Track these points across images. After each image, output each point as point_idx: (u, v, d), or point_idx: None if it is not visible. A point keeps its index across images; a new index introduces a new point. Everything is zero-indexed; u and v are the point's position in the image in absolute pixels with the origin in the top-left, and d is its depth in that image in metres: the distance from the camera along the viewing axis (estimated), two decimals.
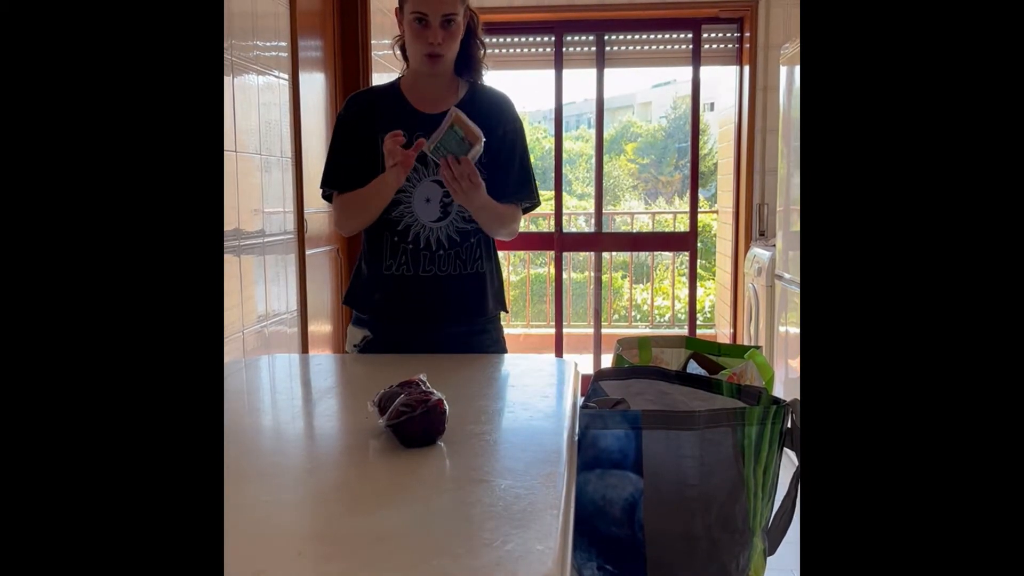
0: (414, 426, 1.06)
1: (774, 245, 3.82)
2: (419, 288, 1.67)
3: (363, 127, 1.67)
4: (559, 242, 4.62)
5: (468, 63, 1.71)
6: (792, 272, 3.48)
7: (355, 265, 1.78)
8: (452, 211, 1.67)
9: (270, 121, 2.49)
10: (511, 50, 4.59)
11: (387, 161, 1.54)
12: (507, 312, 1.83)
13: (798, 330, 3.06)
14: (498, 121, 1.69)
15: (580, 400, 1.37)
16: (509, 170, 1.70)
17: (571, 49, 4.50)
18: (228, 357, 2.16)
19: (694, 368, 1.63)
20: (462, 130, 1.51)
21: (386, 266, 1.68)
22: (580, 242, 5.24)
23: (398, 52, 1.74)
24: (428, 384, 1.15)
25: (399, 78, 1.75)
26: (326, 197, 1.74)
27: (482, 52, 1.73)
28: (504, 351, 1.76)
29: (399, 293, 1.68)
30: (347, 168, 1.68)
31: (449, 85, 1.70)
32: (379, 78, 3.42)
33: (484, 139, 1.53)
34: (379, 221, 1.67)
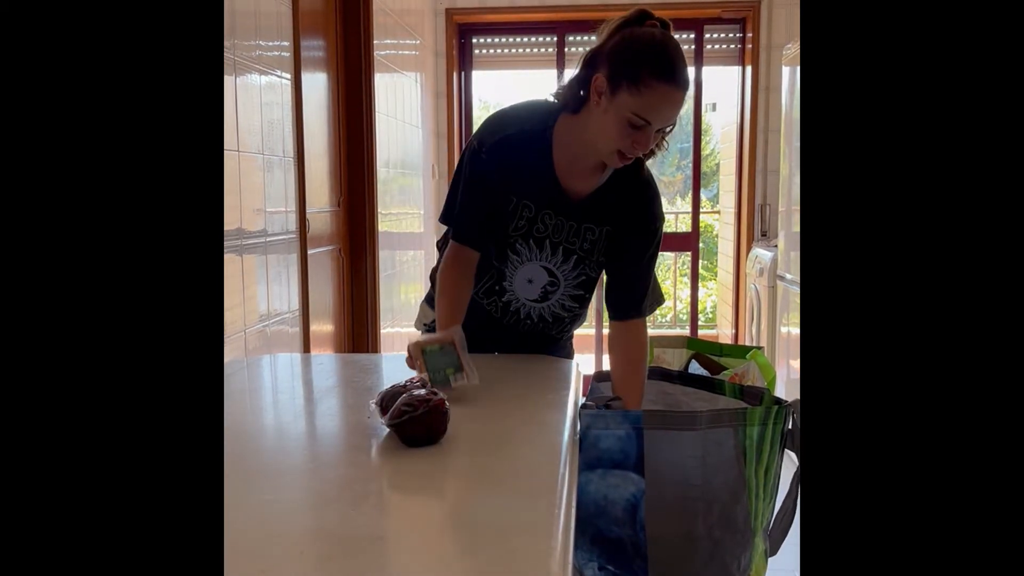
0: (416, 426, 1.06)
1: (776, 246, 3.82)
2: (500, 329, 1.59)
3: (501, 181, 1.48)
4: None
5: (648, 155, 1.47)
6: (794, 273, 3.48)
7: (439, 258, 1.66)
8: (552, 299, 1.58)
9: (272, 121, 2.49)
10: (513, 50, 4.59)
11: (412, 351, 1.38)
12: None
13: (799, 331, 3.06)
14: (641, 219, 1.51)
15: (581, 400, 1.37)
16: (646, 278, 1.54)
17: (573, 49, 4.50)
18: (230, 356, 2.16)
19: (696, 368, 1.63)
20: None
21: (480, 292, 1.59)
22: None
23: (560, 89, 1.46)
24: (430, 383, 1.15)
25: (552, 122, 1.47)
26: (443, 222, 1.60)
27: (658, 150, 1.47)
28: (571, 355, 1.71)
29: (483, 317, 1.59)
30: (482, 222, 1.51)
31: (600, 162, 1.47)
32: (381, 79, 3.43)
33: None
34: (482, 262, 1.54)
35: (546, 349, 1.66)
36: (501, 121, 1.52)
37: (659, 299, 1.60)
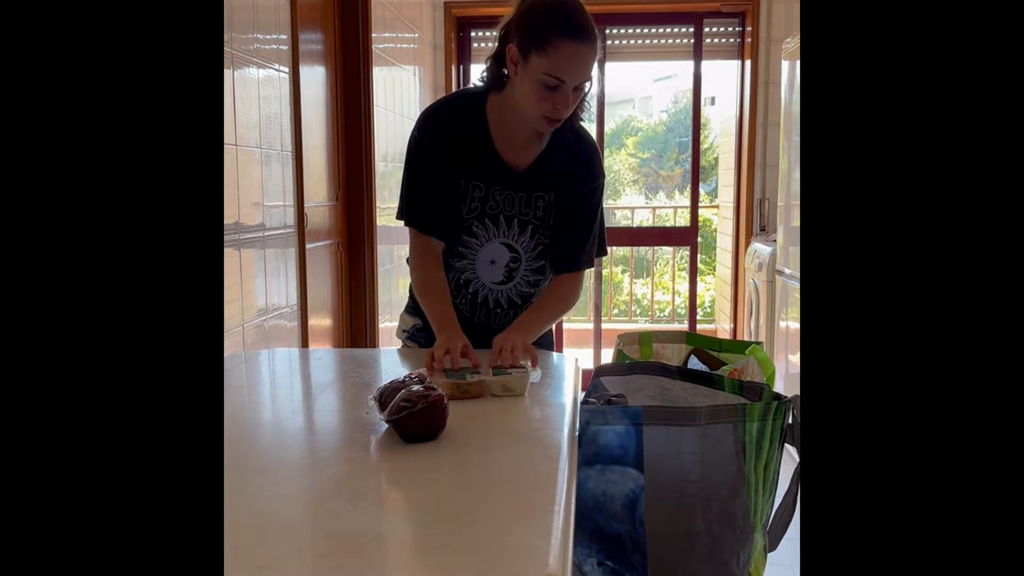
0: (415, 421, 1.05)
1: (775, 240, 3.82)
2: (472, 328, 1.57)
3: (442, 162, 1.51)
4: None
5: (575, 113, 1.50)
6: (793, 268, 3.48)
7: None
8: (516, 276, 1.59)
9: (270, 115, 2.49)
10: None
11: (440, 349, 1.37)
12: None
13: (799, 326, 3.06)
14: (583, 178, 1.55)
15: (581, 395, 1.36)
16: (586, 233, 1.58)
17: None
18: (228, 351, 2.16)
19: (695, 364, 1.63)
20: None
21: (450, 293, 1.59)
22: None
23: (484, 67, 1.52)
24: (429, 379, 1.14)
25: (483, 102, 1.52)
26: (398, 217, 1.62)
27: (581, 112, 1.51)
28: (551, 346, 1.72)
29: (466, 328, 1.56)
30: (427, 208, 1.54)
31: (536, 133, 1.51)
32: (379, 72, 3.42)
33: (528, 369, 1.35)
34: (445, 259, 1.57)
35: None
36: (434, 111, 1.57)
37: (602, 251, 1.65)
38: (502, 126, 1.50)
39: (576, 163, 1.55)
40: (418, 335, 1.69)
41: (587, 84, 1.41)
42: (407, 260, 1.68)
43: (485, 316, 1.62)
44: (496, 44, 1.47)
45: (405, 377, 1.15)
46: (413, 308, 1.71)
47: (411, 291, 1.72)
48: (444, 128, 1.52)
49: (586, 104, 1.49)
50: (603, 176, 1.59)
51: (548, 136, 1.52)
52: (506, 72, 1.45)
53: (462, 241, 1.56)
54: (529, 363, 1.35)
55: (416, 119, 1.58)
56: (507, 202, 1.53)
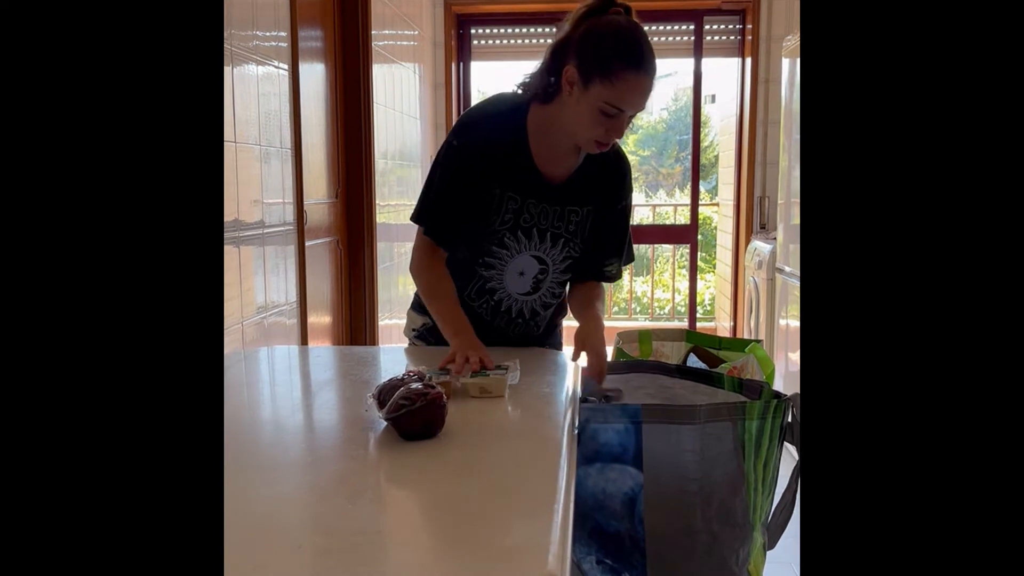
0: (414, 419, 1.05)
1: (775, 238, 3.82)
2: (488, 330, 1.57)
3: (479, 174, 1.47)
4: None
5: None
6: (793, 265, 3.48)
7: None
8: (543, 287, 1.58)
9: (270, 112, 2.48)
10: (512, 41, 4.57)
11: (459, 356, 1.35)
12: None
13: (799, 324, 3.06)
14: (618, 194, 1.56)
15: (580, 393, 1.36)
16: (617, 248, 1.60)
17: None
18: (227, 348, 2.16)
19: (694, 362, 1.63)
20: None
21: (471, 293, 1.58)
22: None
23: (527, 78, 1.48)
24: (428, 377, 1.14)
25: (524, 112, 1.48)
26: (416, 221, 1.59)
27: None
28: (559, 345, 1.73)
29: (471, 317, 1.54)
30: (453, 219, 1.51)
31: (575, 146, 1.49)
32: (379, 69, 3.42)
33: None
34: (470, 265, 1.56)
35: (537, 342, 1.66)
36: (474, 117, 1.53)
37: (629, 258, 1.66)
38: (542, 138, 1.48)
39: (613, 180, 1.55)
40: (427, 334, 1.67)
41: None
42: (410, 267, 1.64)
43: (505, 323, 1.61)
44: (548, 56, 1.43)
45: (404, 375, 1.15)
46: (421, 306, 1.68)
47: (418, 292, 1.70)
48: (483, 140, 1.48)
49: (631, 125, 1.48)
50: (631, 191, 1.60)
51: (583, 153, 1.51)
52: (553, 83, 1.42)
53: (492, 252, 1.53)
54: (511, 365, 1.34)
55: (455, 124, 1.54)
56: (541, 215, 1.51)
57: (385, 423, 1.09)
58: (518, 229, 1.51)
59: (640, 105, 1.38)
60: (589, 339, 1.44)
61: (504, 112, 1.50)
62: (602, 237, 1.58)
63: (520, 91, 1.50)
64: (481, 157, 1.47)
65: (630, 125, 1.45)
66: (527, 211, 1.50)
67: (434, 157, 1.55)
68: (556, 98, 1.43)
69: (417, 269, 1.58)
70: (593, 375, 1.40)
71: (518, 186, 1.48)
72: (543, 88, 1.44)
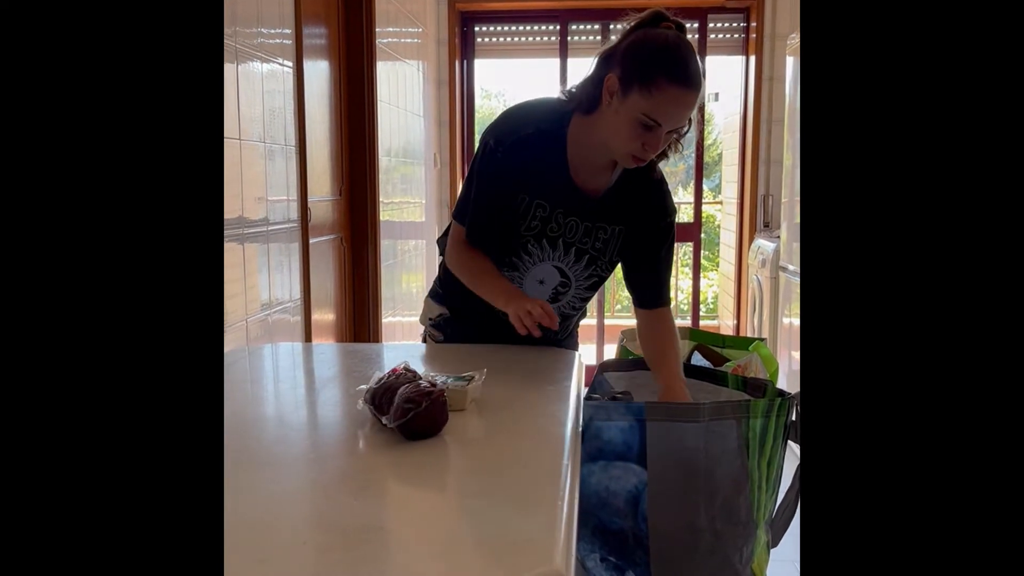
0: (422, 421, 1.05)
1: (778, 236, 3.81)
2: (509, 332, 1.54)
3: (517, 180, 1.47)
4: None
5: (661, 156, 1.47)
6: (796, 264, 3.47)
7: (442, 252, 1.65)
8: (563, 300, 1.57)
9: (274, 109, 2.48)
10: (516, 38, 4.57)
11: (521, 314, 1.35)
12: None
13: None
14: (660, 212, 1.52)
15: (584, 391, 1.36)
16: (668, 267, 1.56)
17: (576, 38, 4.48)
18: (231, 345, 2.16)
19: (698, 360, 1.63)
20: None
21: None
22: None
23: (572, 89, 1.46)
24: (417, 372, 1.13)
25: (567, 121, 1.47)
26: (457, 221, 1.57)
27: (673, 150, 1.47)
28: (575, 346, 1.72)
29: (491, 320, 1.55)
30: (494, 222, 1.50)
31: (612, 162, 1.48)
32: (383, 67, 3.41)
33: None
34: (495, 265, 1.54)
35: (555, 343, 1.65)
36: (518, 120, 1.50)
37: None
38: (580, 149, 1.46)
39: (651, 200, 1.52)
40: (444, 324, 1.67)
41: (685, 129, 1.39)
42: (437, 242, 1.62)
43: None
44: (595, 66, 1.42)
45: (391, 374, 1.14)
46: (440, 295, 1.67)
47: (438, 280, 1.69)
48: (523, 149, 1.46)
49: (680, 145, 1.46)
50: (675, 214, 1.55)
51: (622, 168, 1.49)
52: (596, 93, 1.40)
53: (516, 254, 1.52)
54: (473, 375, 1.26)
55: (496, 119, 1.52)
56: (569, 228, 1.49)
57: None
58: (543, 238, 1.49)
59: (679, 120, 1.34)
60: (666, 396, 1.38)
61: (547, 119, 1.48)
62: (654, 257, 1.53)
63: (565, 99, 1.47)
64: (520, 165, 1.45)
65: (678, 147, 1.42)
66: (555, 220, 1.48)
67: (474, 155, 1.54)
68: (597, 109, 1.41)
69: (455, 258, 1.56)
70: None
71: (549, 195, 1.47)
72: (586, 97, 1.42)
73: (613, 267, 1.56)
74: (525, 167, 1.45)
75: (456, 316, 1.66)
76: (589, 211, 1.49)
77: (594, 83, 1.41)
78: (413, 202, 4.00)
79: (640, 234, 1.52)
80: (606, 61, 1.39)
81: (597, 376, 1.51)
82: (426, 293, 1.74)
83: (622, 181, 1.49)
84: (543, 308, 1.34)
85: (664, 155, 1.46)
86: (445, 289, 1.67)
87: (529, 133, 1.47)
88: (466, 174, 1.56)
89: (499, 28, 4.55)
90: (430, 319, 1.69)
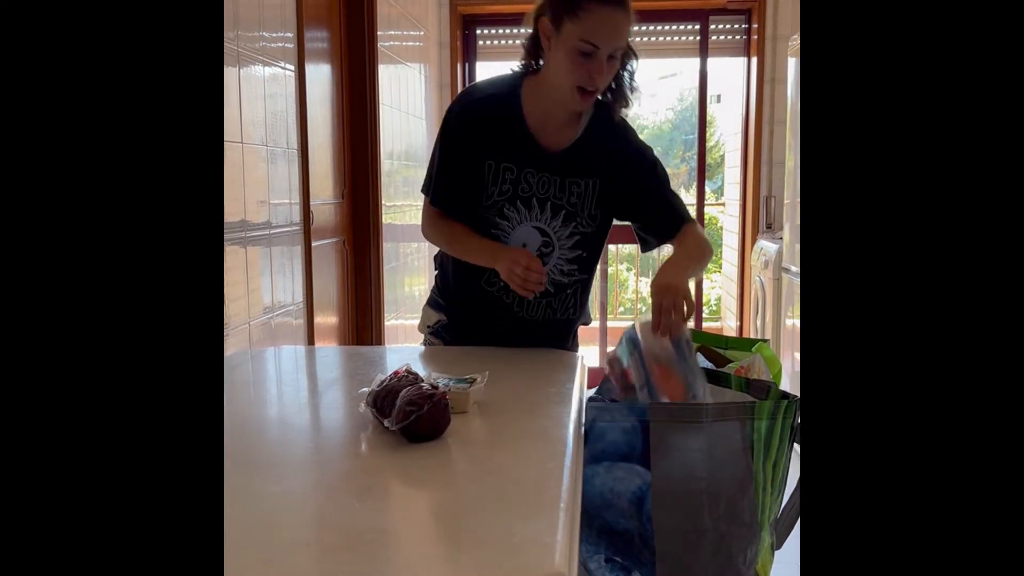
0: (424, 424, 1.05)
1: (781, 238, 3.81)
2: (507, 318, 1.58)
3: (474, 146, 1.50)
4: None
5: (618, 97, 1.52)
6: (799, 265, 3.47)
7: (438, 262, 1.69)
8: (549, 262, 1.55)
9: (276, 112, 2.49)
10: (518, 41, 4.57)
11: (512, 267, 1.40)
12: (588, 323, 1.74)
13: None
14: (637, 155, 1.55)
15: (587, 392, 1.36)
16: (669, 194, 1.57)
17: None
18: (234, 349, 2.16)
19: (701, 361, 1.62)
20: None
21: (487, 280, 1.56)
22: None
23: (520, 48, 1.53)
24: (419, 375, 1.13)
25: (518, 84, 1.51)
26: (424, 192, 1.62)
27: (632, 90, 1.52)
28: (576, 350, 1.71)
29: (489, 312, 1.59)
30: (456, 190, 1.54)
31: (573, 116, 1.51)
32: (385, 70, 3.42)
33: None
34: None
35: (555, 345, 1.65)
36: (468, 91, 1.58)
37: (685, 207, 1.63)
38: (536, 106, 1.49)
39: (623, 147, 1.54)
40: (442, 331, 1.67)
41: (628, 60, 1.42)
42: (422, 232, 1.65)
43: (518, 305, 1.58)
44: (532, 26, 1.47)
45: (391, 377, 1.13)
46: (436, 303, 1.68)
47: (435, 289, 1.70)
48: (478, 113, 1.51)
49: (632, 88, 1.49)
50: (651, 150, 1.57)
51: (586, 121, 1.51)
52: (540, 55, 1.46)
53: (494, 223, 1.53)
54: (475, 378, 1.26)
55: (453, 100, 1.59)
56: (540, 185, 1.51)
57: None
58: (517, 199, 1.51)
59: (614, 40, 1.36)
60: (655, 282, 1.39)
61: (499, 85, 1.53)
62: (650, 194, 1.55)
63: (515, 69, 1.54)
64: (476, 130, 1.50)
65: (628, 84, 1.46)
66: (525, 181, 1.49)
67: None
68: (543, 65, 1.46)
69: (431, 231, 1.60)
70: (655, 328, 1.33)
71: (515, 156, 1.49)
72: (530, 56, 1.49)
73: (595, 224, 1.55)
74: (483, 132, 1.50)
75: (454, 321, 1.66)
76: (557, 166, 1.50)
77: (533, 39, 1.47)
78: (415, 205, 4.00)
79: (625, 181, 1.53)
80: (538, 15, 1.44)
81: (604, 380, 1.51)
82: (424, 302, 1.75)
83: (587, 133, 1.52)
84: (529, 257, 1.39)
85: (620, 98, 1.50)
86: (444, 296, 1.68)
87: (479, 98, 1.53)
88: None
89: (501, 31, 4.56)
90: (428, 327, 1.70)
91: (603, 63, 1.37)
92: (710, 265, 7.50)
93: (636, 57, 1.47)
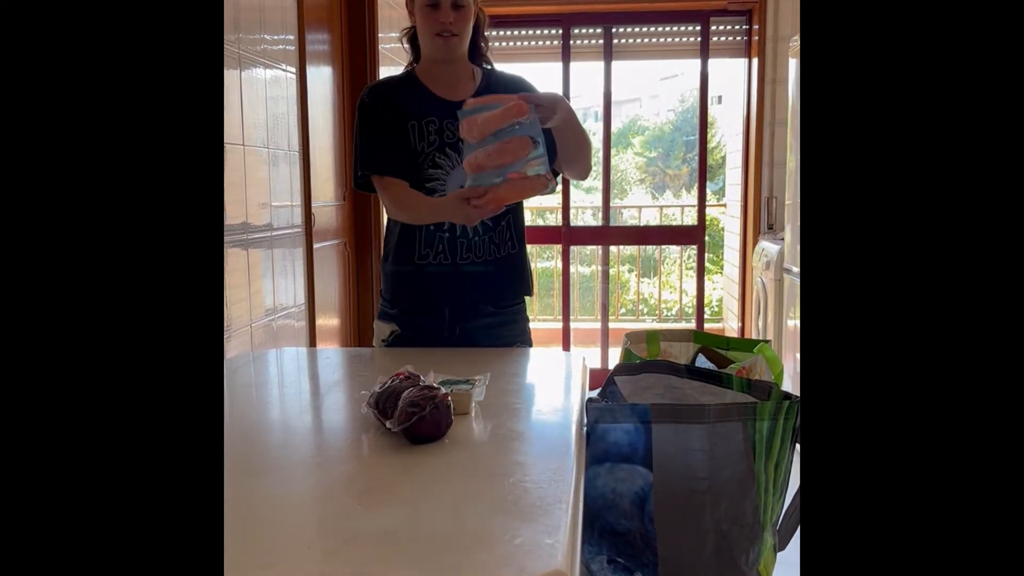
0: (426, 425, 1.05)
1: (782, 239, 3.81)
2: (455, 278, 1.65)
3: (390, 112, 1.67)
4: (566, 236, 4.62)
5: (475, 53, 1.74)
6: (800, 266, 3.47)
7: (381, 260, 1.76)
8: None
9: (278, 115, 2.49)
10: (518, 43, 4.58)
11: (467, 209, 1.49)
12: (531, 295, 1.81)
13: None
14: (529, 85, 1.72)
15: (588, 394, 1.36)
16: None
17: (578, 42, 4.48)
18: (236, 351, 2.16)
19: (703, 362, 1.63)
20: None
21: (420, 255, 1.66)
22: (587, 236, 5.23)
23: (406, 45, 1.76)
24: (421, 376, 1.13)
25: (410, 69, 1.75)
26: (360, 185, 1.70)
27: (486, 46, 1.79)
28: (530, 343, 1.75)
29: (435, 285, 1.66)
30: (383, 149, 1.66)
31: (464, 71, 1.72)
32: (386, 71, 3.42)
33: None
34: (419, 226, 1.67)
35: (504, 330, 1.71)
36: (373, 81, 1.89)
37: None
38: (431, 76, 1.70)
39: (520, 84, 1.73)
40: (396, 343, 1.71)
41: (463, 5, 1.62)
42: (388, 213, 1.72)
43: (467, 250, 1.65)
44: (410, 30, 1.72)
45: (393, 378, 1.14)
46: (386, 314, 1.73)
47: (383, 298, 1.75)
48: (380, 85, 1.77)
49: (486, 45, 1.77)
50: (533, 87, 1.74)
51: (480, 75, 1.72)
52: (414, 30, 1.70)
53: (429, 175, 1.64)
54: (477, 379, 1.27)
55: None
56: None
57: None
58: (445, 147, 1.65)
59: None
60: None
61: (396, 74, 1.80)
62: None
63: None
64: (387, 99, 1.68)
65: (483, 44, 1.73)
66: (447, 129, 1.64)
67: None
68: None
69: (392, 205, 1.67)
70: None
71: (430, 112, 1.65)
72: (411, 42, 1.74)
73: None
74: (394, 99, 1.69)
75: (407, 317, 1.71)
76: None
77: (410, 34, 1.73)
78: None
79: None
80: (408, 9, 1.70)
81: (608, 383, 1.51)
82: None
83: (485, 83, 1.72)
84: (472, 191, 1.48)
85: (477, 48, 1.74)
86: (391, 297, 1.72)
87: (381, 81, 1.82)
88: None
89: (501, 33, 4.56)
90: (383, 340, 1.74)
91: (448, 10, 1.61)
92: (711, 266, 7.39)
93: (483, 13, 1.74)
